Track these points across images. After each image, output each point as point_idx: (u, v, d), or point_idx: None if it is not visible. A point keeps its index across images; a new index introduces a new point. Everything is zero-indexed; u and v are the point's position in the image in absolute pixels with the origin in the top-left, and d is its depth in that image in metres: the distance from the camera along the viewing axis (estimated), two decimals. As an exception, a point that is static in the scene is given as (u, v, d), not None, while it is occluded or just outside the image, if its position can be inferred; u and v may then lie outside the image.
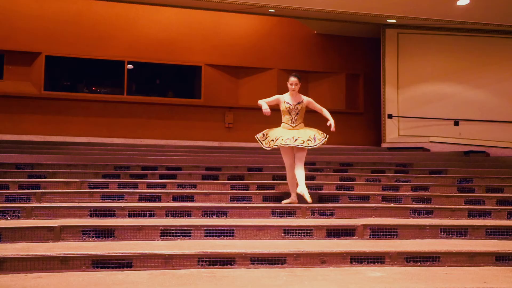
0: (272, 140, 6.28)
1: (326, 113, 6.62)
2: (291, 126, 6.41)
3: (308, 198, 6.07)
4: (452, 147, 12.33)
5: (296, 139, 6.21)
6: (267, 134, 6.38)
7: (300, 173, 6.24)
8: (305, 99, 6.55)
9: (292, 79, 6.43)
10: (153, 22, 12.71)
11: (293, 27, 13.46)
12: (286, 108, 6.43)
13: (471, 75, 12.73)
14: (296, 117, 6.47)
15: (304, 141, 6.23)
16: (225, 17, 12.97)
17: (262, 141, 6.33)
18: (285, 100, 6.47)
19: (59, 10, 12.21)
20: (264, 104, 6.38)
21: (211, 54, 13.02)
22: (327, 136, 6.35)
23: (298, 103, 6.47)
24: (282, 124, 6.46)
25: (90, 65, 12.51)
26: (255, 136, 6.42)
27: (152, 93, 13.11)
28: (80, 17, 12.29)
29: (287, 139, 6.21)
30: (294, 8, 11.22)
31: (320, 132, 6.40)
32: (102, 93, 12.69)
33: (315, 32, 13.71)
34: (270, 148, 6.36)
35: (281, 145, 6.21)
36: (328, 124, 6.49)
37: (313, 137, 6.29)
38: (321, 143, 6.29)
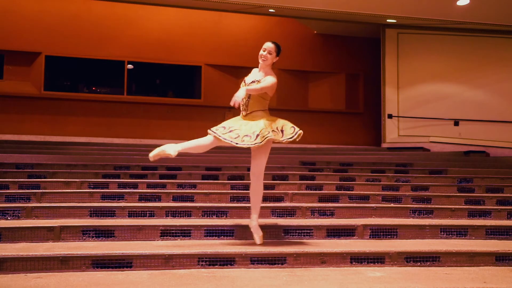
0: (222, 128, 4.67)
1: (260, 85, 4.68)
2: (242, 114, 4.80)
3: (257, 239, 4.71)
4: (452, 147, 12.33)
5: (235, 134, 4.58)
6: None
7: (253, 192, 4.77)
8: (269, 78, 4.72)
9: (266, 44, 4.80)
10: (153, 22, 12.71)
11: (293, 27, 13.46)
12: (241, 87, 4.73)
13: (471, 75, 12.73)
14: (247, 101, 4.73)
15: (239, 136, 4.53)
16: (225, 17, 12.97)
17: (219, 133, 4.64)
18: (248, 76, 4.92)
19: (59, 10, 12.21)
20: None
21: (211, 54, 13.02)
22: (300, 132, 4.65)
23: (253, 81, 4.77)
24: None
25: (90, 65, 12.50)
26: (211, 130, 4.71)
27: (152, 93, 13.11)
28: (80, 17, 12.30)
29: (230, 131, 4.61)
30: (294, 8, 11.23)
31: (290, 125, 4.71)
32: (102, 93, 12.68)
33: (315, 32, 13.71)
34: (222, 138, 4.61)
35: (218, 136, 4.59)
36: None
37: (279, 129, 4.63)
38: (289, 138, 4.62)
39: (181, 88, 13.41)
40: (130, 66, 12.66)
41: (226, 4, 11.09)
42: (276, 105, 13.20)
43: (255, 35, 13.31)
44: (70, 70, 12.66)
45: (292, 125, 4.71)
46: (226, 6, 11.43)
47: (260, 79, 4.75)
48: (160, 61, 12.80)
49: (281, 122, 4.72)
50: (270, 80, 4.69)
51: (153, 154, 4.52)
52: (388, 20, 12.28)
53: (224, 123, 4.74)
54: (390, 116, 12.72)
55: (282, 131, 4.64)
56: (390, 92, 12.81)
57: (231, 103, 4.49)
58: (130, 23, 12.58)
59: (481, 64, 12.70)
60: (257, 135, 4.52)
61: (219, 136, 4.57)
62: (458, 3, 10.80)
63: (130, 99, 12.47)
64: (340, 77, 13.89)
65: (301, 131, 4.66)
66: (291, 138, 4.60)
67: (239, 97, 4.49)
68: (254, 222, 4.77)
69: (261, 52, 4.77)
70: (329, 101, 13.88)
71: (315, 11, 11.21)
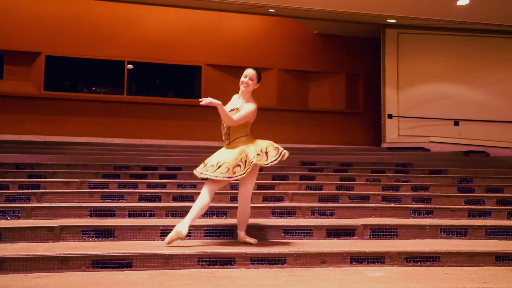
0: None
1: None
2: (225, 142, 4.79)
3: (252, 240, 4.77)
4: (452, 147, 12.33)
5: (219, 166, 4.55)
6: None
7: (241, 216, 4.79)
8: (248, 106, 4.68)
9: (247, 71, 4.76)
10: (153, 22, 12.71)
11: (293, 27, 13.47)
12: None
13: (471, 75, 12.73)
14: (228, 130, 4.71)
15: (229, 168, 4.50)
16: (225, 17, 12.97)
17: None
18: (228, 104, 4.83)
19: (59, 10, 12.21)
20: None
21: (211, 54, 13.02)
22: (284, 153, 4.64)
23: (233, 109, 4.71)
24: None
25: (90, 65, 12.51)
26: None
27: (152, 93, 13.11)
28: (80, 17, 12.30)
29: (210, 165, 4.62)
30: (294, 8, 11.23)
31: (274, 146, 4.66)
32: (102, 93, 12.68)
33: (315, 32, 13.71)
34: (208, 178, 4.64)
35: (200, 177, 4.70)
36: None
37: (250, 157, 4.53)
38: (273, 161, 4.57)
39: (181, 88, 13.41)
40: (130, 66, 12.66)
41: (226, 4, 11.10)
42: (276, 105, 13.23)
43: (255, 35, 13.32)
44: (70, 70, 12.66)
45: (276, 145, 4.69)
46: (226, 6, 11.44)
47: (239, 106, 4.70)
48: (160, 61, 12.80)
49: (265, 144, 4.67)
50: (249, 108, 4.66)
51: (168, 241, 4.52)
52: (388, 20, 12.28)
53: (210, 159, 4.70)
54: (390, 116, 12.72)
55: (266, 153, 4.61)
56: (390, 92, 12.81)
57: (202, 102, 4.52)
58: (130, 23, 12.59)
59: (481, 64, 12.70)
60: (245, 161, 4.52)
61: (211, 176, 4.55)
62: (458, 3, 10.80)
63: (130, 99, 12.47)
64: (340, 77, 13.89)
65: (285, 151, 4.66)
66: (275, 160, 4.58)
67: (213, 103, 4.51)
68: (241, 233, 4.82)
69: (242, 78, 4.74)
70: (329, 101, 13.88)
71: (315, 11, 11.21)
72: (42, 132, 11.73)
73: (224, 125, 4.70)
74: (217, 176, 4.53)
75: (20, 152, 8.87)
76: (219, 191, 6.64)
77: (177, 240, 4.54)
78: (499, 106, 12.58)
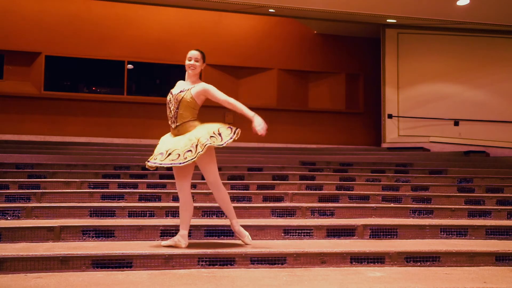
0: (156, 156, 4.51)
1: (239, 106, 4.59)
2: (172, 127, 4.68)
3: (247, 239, 4.69)
4: (452, 147, 12.33)
5: (169, 153, 4.43)
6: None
7: (220, 201, 4.70)
8: (198, 86, 4.63)
9: (190, 53, 4.69)
10: (153, 22, 12.71)
11: (293, 27, 13.46)
12: (167, 100, 4.70)
13: (471, 75, 12.73)
14: (175, 113, 4.61)
15: (179, 155, 4.38)
16: (225, 17, 12.97)
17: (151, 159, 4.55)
18: (174, 88, 4.76)
19: (59, 10, 12.21)
20: None
21: (211, 54, 12.93)
22: (238, 131, 4.56)
23: (182, 90, 4.64)
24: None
25: (90, 65, 12.50)
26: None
27: (152, 93, 13.11)
28: (80, 17, 12.30)
29: (159, 154, 4.48)
30: (294, 8, 11.23)
31: (226, 126, 4.57)
32: (102, 93, 12.68)
33: (315, 32, 13.71)
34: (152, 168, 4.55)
35: (148, 166, 4.52)
36: (253, 126, 4.52)
37: (203, 140, 4.40)
38: (229, 140, 4.46)
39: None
40: (130, 66, 12.66)
41: (226, 4, 11.09)
42: (276, 105, 13.23)
43: (255, 35, 13.32)
44: (70, 70, 12.66)
45: (227, 125, 4.60)
46: (226, 6, 11.44)
47: (190, 87, 4.63)
48: (160, 61, 12.79)
49: (216, 126, 4.57)
50: (216, 91, 4.65)
51: (165, 244, 4.56)
52: (388, 20, 12.28)
53: (158, 149, 4.57)
54: (390, 116, 12.72)
55: (219, 134, 4.49)
56: (390, 92, 12.81)
57: (262, 132, 4.48)
58: (130, 23, 12.58)
59: (481, 64, 12.70)
60: (196, 145, 4.39)
61: (160, 164, 4.42)
62: (458, 3, 10.80)
63: (130, 99, 12.46)
64: (340, 77, 13.89)
65: (238, 129, 4.55)
66: (231, 139, 4.47)
67: (262, 123, 4.50)
68: (236, 226, 4.73)
69: (187, 62, 4.68)
70: (329, 101, 13.88)
71: (315, 11, 11.21)
72: (42, 132, 11.73)
73: (172, 108, 4.58)
74: (168, 164, 4.39)
75: (20, 152, 8.87)
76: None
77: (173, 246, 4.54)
78: (499, 106, 12.58)
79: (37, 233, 4.79)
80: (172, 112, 4.61)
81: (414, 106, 12.75)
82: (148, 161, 4.55)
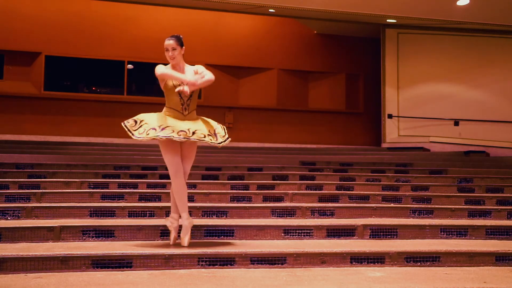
0: (153, 129, 4.40)
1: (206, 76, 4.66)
2: (183, 114, 4.61)
3: (186, 241, 4.55)
4: (452, 147, 12.33)
5: (194, 132, 4.44)
6: (142, 121, 4.51)
7: (183, 191, 4.75)
8: (198, 68, 4.80)
9: (166, 44, 4.76)
10: (153, 22, 12.71)
11: (293, 27, 13.46)
12: (174, 85, 4.62)
13: (471, 75, 12.73)
14: (189, 101, 4.64)
15: (205, 135, 4.47)
16: (225, 17, 12.97)
17: (132, 130, 4.45)
18: None
19: (59, 10, 12.21)
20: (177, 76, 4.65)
21: (211, 54, 13.02)
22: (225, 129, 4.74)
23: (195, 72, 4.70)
24: (168, 109, 4.64)
25: (90, 65, 12.51)
26: (122, 123, 4.55)
27: (152, 93, 13.10)
28: (80, 17, 12.30)
29: (181, 131, 4.41)
30: (294, 8, 11.23)
31: (221, 126, 4.75)
32: (102, 93, 12.68)
33: (315, 32, 13.71)
34: (145, 139, 4.42)
35: (172, 137, 4.39)
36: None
37: (213, 132, 4.57)
38: (225, 141, 4.59)
39: (181, 88, 13.40)
40: (130, 66, 12.66)
41: (226, 4, 11.10)
42: (276, 105, 13.23)
43: (255, 35, 13.32)
44: (70, 70, 12.66)
45: (222, 125, 4.76)
46: (226, 6, 11.44)
47: (196, 69, 4.76)
48: (160, 61, 12.73)
49: (213, 123, 4.70)
50: (207, 71, 4.75)
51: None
52: (388, 20, 12.28)
53: (150, 123, 4.49)
54: (390, 116, 12.73)
55: (215, 134, 4.61)
56: (390, 92, 12.81)
57: (184, 90, 4.46)
58: (130, 23, 12.58)
59: (481, 64, 12.71)
60: (214, 133, 4.55)
61: (186, 139, 4.42)
62: (458, 3, 10.80)
63: (130, 99, 12.46)
64: (340, 77, 13.89)
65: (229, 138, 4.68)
66: (225, 141, 4.60)
67: (189, 87, 4.51)
68: (188, 220, 4.62)
69: (166, 54, 4.73)
70: (329, 101, 13.88)
71: (315, 11, 11.21)
72: (42, 132, 11.73)
73: (187, 93, 4.51)
74: (200, 139, 4.44)
75: (20, 152, 8.87)
76: (219, 191, 6.67)
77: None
78: (499, 106, 12.58)
79: (37, 233, 4.79)
80: (185, 100, 4.62)
81: (414, 106, 12.75)
82: (168, 134, 4.38)
